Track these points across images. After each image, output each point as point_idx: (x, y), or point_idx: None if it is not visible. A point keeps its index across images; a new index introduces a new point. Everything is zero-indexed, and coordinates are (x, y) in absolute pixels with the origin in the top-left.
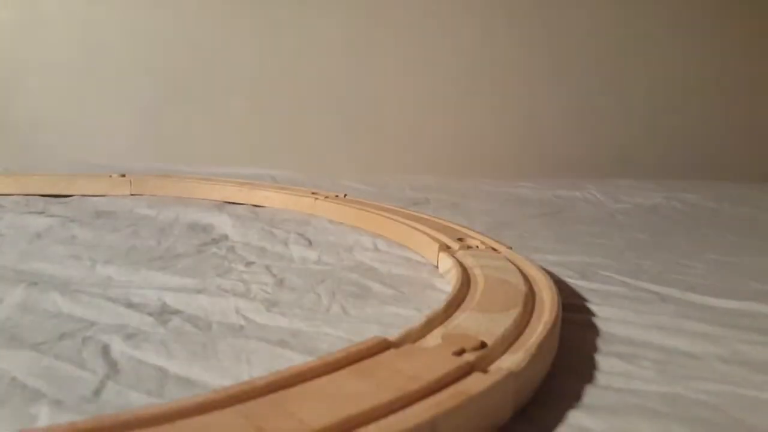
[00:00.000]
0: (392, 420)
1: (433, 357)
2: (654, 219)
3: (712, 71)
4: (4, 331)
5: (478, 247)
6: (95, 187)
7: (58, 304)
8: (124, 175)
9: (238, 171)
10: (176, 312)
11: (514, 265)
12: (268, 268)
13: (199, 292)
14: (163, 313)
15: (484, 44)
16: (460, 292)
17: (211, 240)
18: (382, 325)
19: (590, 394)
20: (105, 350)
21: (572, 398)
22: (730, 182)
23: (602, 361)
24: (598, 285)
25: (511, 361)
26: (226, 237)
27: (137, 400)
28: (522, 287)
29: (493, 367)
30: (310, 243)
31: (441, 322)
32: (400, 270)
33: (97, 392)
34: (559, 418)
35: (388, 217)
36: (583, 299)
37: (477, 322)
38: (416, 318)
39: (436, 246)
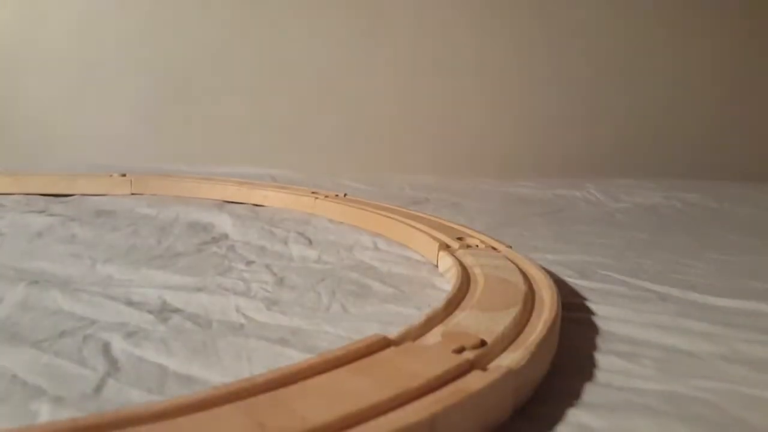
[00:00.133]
0: (392, 417)
1: (432, 355)
2: (654, 218)
3: (712, 71)
4: (4, 329)
5: (477, 246)
6: (96, 186)
7: (58, 303)
8: (124, 175)
9: (238, 171)
10: (176, 310)
11: (514, 264)
12: (268, 267)
13: (199, 290)
14: (163, 312)
15: (484, 44)
16: (459, 290)
17: (211, 239)
18: (382, 324)
19: (590, 392)
20: (105, 348)
21: (572, 396)
22: (730, 182)
23: (602, 359)
24: (597, 284)
25: (510, 359)
26: (226, 236)
27: (138, 398)
28: (522, 286)
29: (492, 365)
30: (310, 242)
31: (441, 321)
32: (400, 269)
33: (98, 389)
34: (558, 415)
35: (388, 217)
36: (583, 298)
37: (477, 321)
38: (416, 317)
39: (435, 245)
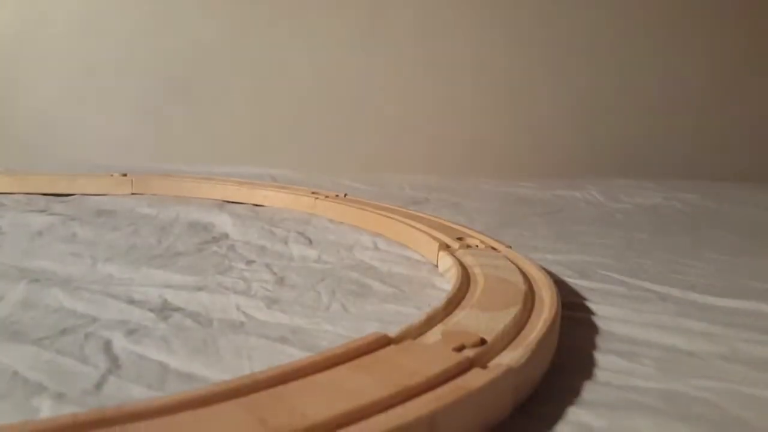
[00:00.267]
0: (392, 414)
1: (432, 353)
2: (654, 219)
3: (712, 71)
4: (5, 327)
5: (477, 246)
6: (96, 186)
7: (59, 301)
8: (125, 175)
9: (238, 170)
10: (177, 309)
11: (514, 264)
12: (268, 266)
13: (199, 289)
14: (164, 310)
15: (483, 44)
16: (459, 290)
17: (211, 238)
18: (382, 323)
19: (590, 391)
20: (107, 345)
21: (572, 395)
22: (730, 182)
23: (602, 358)
24: (597, 284)
25: (510, 357)
26: (226, 236)
27: (138, 395)
28: (522, 286)
29: (492, 364)
30: (311, 242)
31: (441, 320)
32: (400, 269)
33: (99, 386)
34: (558, 414)
35: (388, 217)
36: (583, 298)
37: (477, 320)
38: (416, 316)
39: (435, 245)
